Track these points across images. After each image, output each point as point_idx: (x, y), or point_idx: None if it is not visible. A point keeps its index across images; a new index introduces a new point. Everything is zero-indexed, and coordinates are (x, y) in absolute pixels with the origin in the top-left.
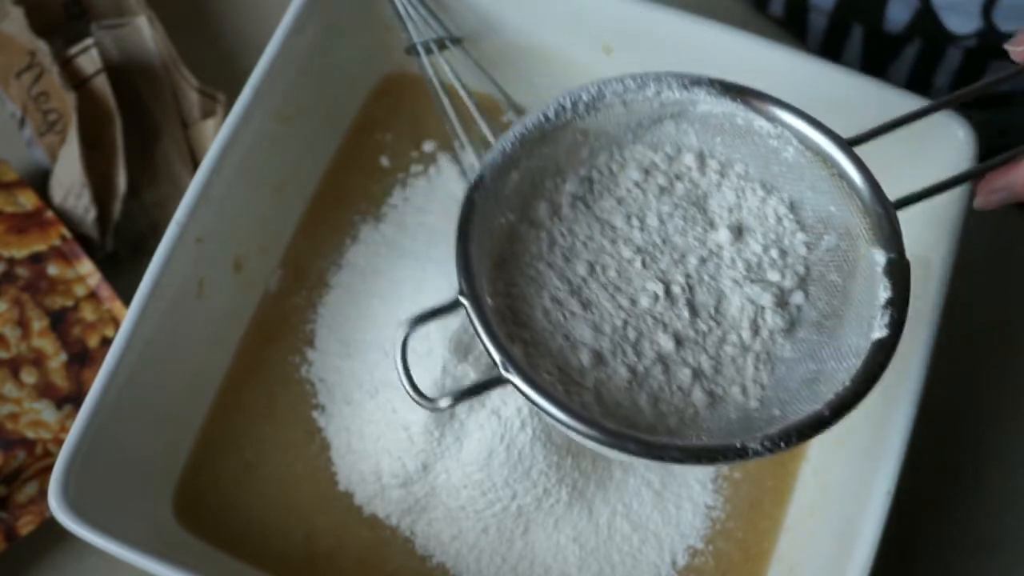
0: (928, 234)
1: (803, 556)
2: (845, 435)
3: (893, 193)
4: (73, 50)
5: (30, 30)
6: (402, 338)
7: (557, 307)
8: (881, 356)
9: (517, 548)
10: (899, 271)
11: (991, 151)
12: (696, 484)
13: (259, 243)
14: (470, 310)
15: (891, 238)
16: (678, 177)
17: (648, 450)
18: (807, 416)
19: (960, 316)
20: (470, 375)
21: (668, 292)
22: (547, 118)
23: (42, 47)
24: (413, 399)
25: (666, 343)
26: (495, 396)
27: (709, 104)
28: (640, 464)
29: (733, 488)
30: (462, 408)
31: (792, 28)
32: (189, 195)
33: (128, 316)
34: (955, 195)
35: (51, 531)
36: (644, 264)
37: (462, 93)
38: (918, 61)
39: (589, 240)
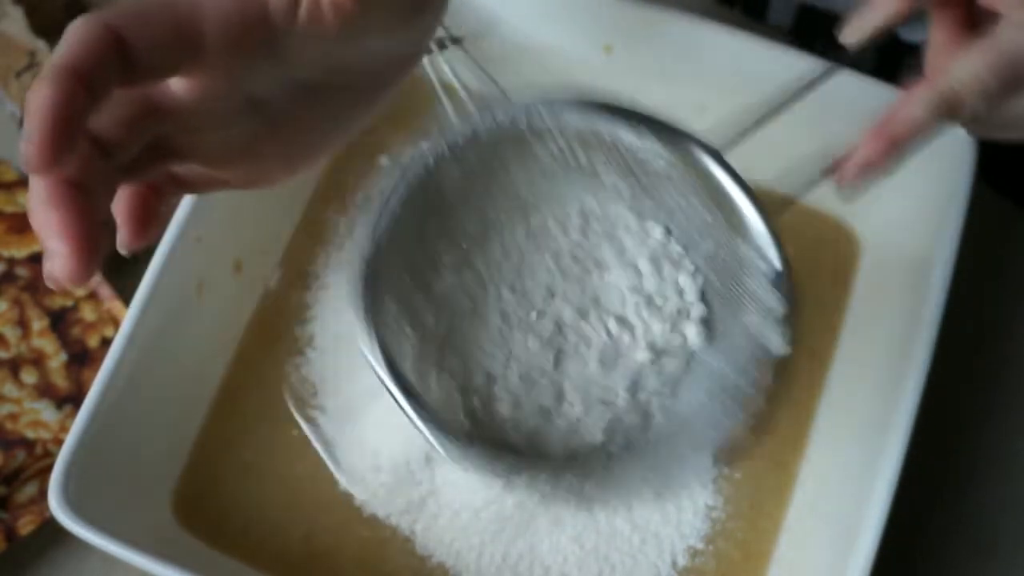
0: (928, 234)
1: (803, 556)
2: (845, 435)
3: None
4: None
5: (30, 30)
6: (328, 434)
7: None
8: (785, 374)
9: (517, 548)
10: (787, 282)
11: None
12: (696, 484)
13: (259, 243)
14: (397, 397)
15: (772, 248)
16: (558, 220)
17: (591, 502)
18: (732, 440)
19: (960, 316)
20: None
21: (560, 330)
22: (428, 169)
23: (42, 47)
24: (350, 490)
25: (576, 377)
26: None
27: (577, 124)
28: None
29: (733, 488)
30: None
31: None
32: (189, 195)
33: (128, 316)
34: (955, 195)
35: (51, 531)
36: (540, 304)
37: (462, 93)
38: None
39: (501, 285)
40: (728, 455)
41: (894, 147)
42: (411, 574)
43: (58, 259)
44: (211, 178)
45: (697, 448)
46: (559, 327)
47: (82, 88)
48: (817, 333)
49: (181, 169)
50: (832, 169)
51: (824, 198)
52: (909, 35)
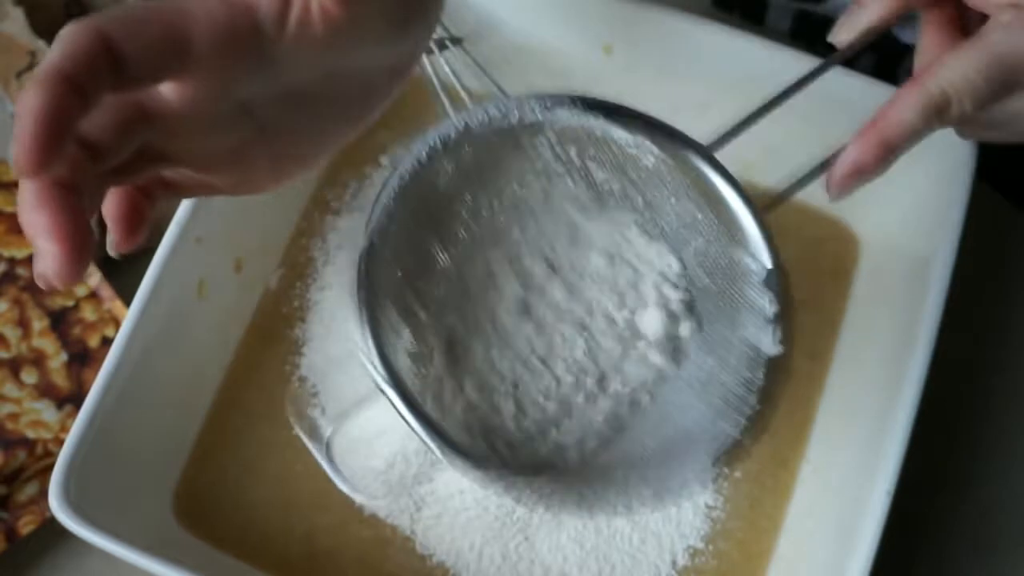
0: (928, 234)
1: (803, 556)
2: (845, 435)
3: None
4: None
5: (30, 30)
6: (325, 438)
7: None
8: (780, 374)
9: (517, 548)
10: (779, 282)
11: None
12: (696, 484)
13: (259, 243)
14: (395, 401)
15: (764, 246)
16: (550, 216)
17: (589, 510)
18: (726, 445)
19: (960, 316)
20: None
21: (555, 330)
22: (420, 163)
23: (43, 47)
24: (350, 495)
25: (574, 383)
26: None
27: (568, 120)
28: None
29: (733, 488)
30: None
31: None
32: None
33: (128, 316)
34: (955, 195)
35: (51, 531)
36: (534, 308)
37: (462, 93)
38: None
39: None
40: (725, 457)
41: (885, 151)
42: (411, 574)
43: (48, 259)
44: (200, 183)
45: (691, 449)
46: (554, 326)
47: (72, 93)
48: (817, 333)
49: (170, 173)
50: (824, 167)
51: (824, 198)
52: (908, 37)
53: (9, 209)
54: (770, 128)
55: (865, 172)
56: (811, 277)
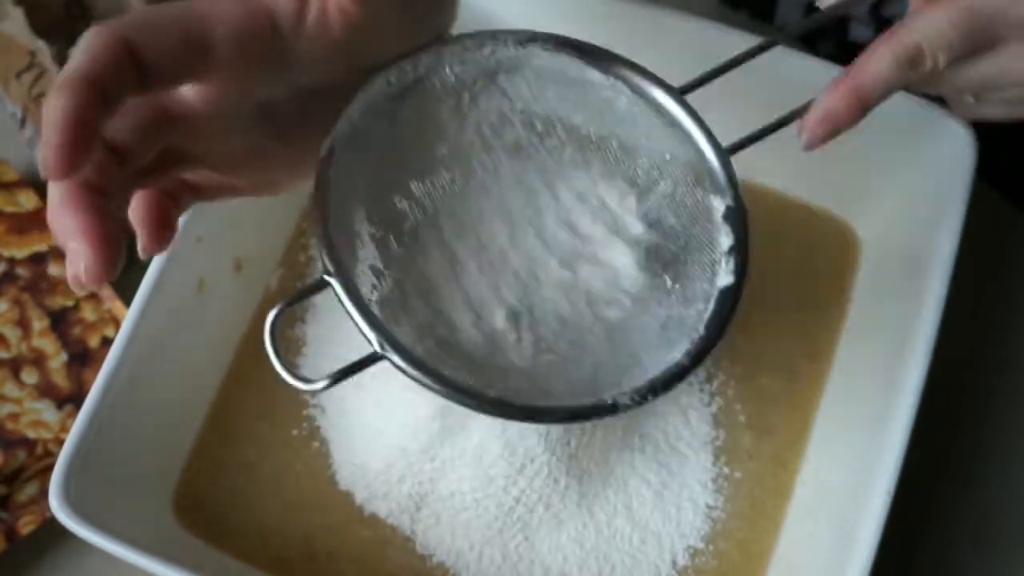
0: (928, 234)
1: (803, 556)
2: (845, 435)
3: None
4: (73, 50)
5: (31, 30)
6: (270, 320)
7: (439, 272)
8: (729, 302)
9: (517, 547)
10: (737, 216)
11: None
12: (696, 484)
13: (259, 243)
14: (338, 290)
15: (727, 184)
16: (519, 142)
17: (528, 414)
18: (668, 366)
19: (960, 316)
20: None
21: (529, 256)
22: (390, 83)
23: (43, 47)
24: (288, 382)
25: (531, 303)
26: None
27: (543, 59)
28: (640, 464)
29: (733, 488)
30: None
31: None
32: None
33: (129, 316)
34: (955, 195)
35: (51, 531)
36: (507, 233)
37: None
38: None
39: (454, 212)
40: (665, 383)
41: (858, 100)
42: (411, 574)
43: (81, 261)
44: (222, 185)
45: (636, 369)
46: (517, 256)
47: (96, 97)
48: (817, 333)
49: (193, 176)
50: (797, 115)
51: (824, 198)
52: (862, 34)
53: (9, 209)
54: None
55: (837, 121)
56: (811, 277)
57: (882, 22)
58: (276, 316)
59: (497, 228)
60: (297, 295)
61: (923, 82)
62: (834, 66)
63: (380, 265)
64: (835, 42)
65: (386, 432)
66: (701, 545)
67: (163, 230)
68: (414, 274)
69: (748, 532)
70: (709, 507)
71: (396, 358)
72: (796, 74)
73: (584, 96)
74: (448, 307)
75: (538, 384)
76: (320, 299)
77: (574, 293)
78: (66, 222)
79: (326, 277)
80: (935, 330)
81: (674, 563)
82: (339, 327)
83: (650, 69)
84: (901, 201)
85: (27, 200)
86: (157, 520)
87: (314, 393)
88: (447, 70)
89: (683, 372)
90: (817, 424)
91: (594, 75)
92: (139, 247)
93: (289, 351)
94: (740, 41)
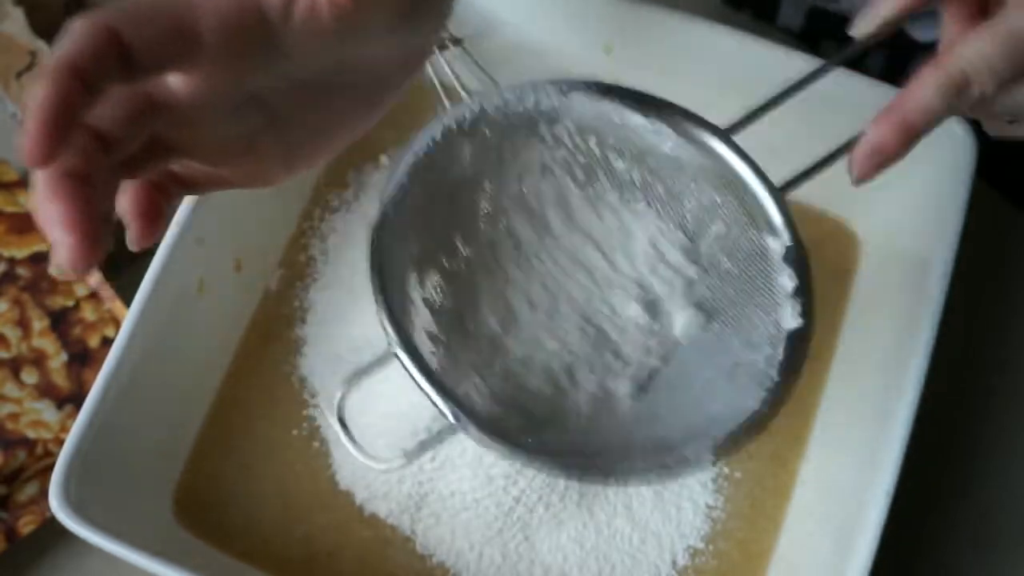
0: (928, 234)
1: (803, 556)
2: (845, 435)
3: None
4: None
5: (30, 30)
6: (337, 401)
7: (493, 330)
8: (800, 346)
9: (517, 547)
10: (798, 257)
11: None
12: (696, 484)
13: (259, 243)
14: (407, 363)
15: (784, 225)
16: (563, 192)
17: (612, 477)
18: (746, 416)
19: (960, 316)
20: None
21: (573, 309)
22: (435, 141)
23: (43, 47)
24: (363, 461)
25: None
26: None
27: (585, 106)
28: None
29: (733, 488)
30: None
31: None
32: (191, 196)
33: (129, 316)
34: (955, 195)
35: (51, 531)
36: (554, 287)
37: (462, 93)
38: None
39: (505, 267)
40: (746, 431)
41: (905, 131)
42: (411, 574)
43: (63, 249)
44: (211, 176)
45: (712, 426)
46: (571, 306)
47: (79, 84)
48: (817, 333)
49: (181, 167)
50: (845, 150)
51: (824, 198)
52: (920, 34)
53: (9, 209)
54: (773, 131)
55: (886, 154)
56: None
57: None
58: (342, 398)
59: (543, 287)
60: (365, 369)
61: (969, 109)
62: (885, 85)
63: (435, 330)
64: (888, 51)
65: (386, 432)
66: (701, 545)
67: (153, 222)
68: (471, 339)
69: (748, 532)
70: (709, 507)
71: (473, 428)
72: (845, 94)
73: (629, 141)
74: (508, 365)
75: (595, 441)
76: (320, 299)
77: (631, 345)
78: (50, 211)
79: (394, 350)
80: (935, 330)
81: (674, 563)
82: (339, 328)
83: (689, 108)
84: (901, 201)
85: (27, 200)
86: (157, 520)
87: (390, 471)
88: (489, 125)
89: (763, 420)
90: (817, 424)
91: (638, 120)
92: (128, 239)
93: (289, 351)
94: (743, 42)
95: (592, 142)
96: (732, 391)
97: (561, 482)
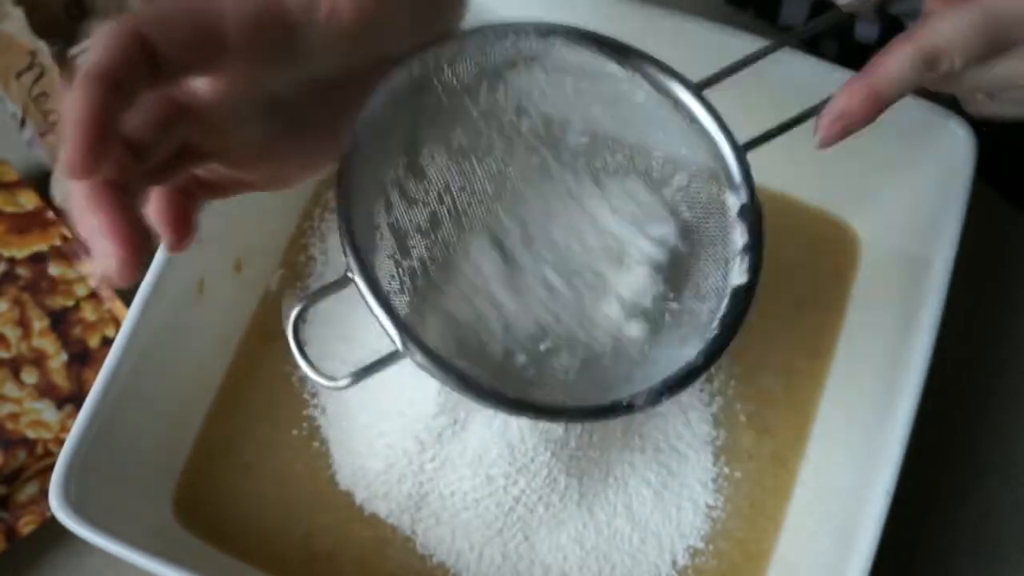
0: (928, 234)
1: (803, 556)
2: (845, 435)
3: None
4: (74, 50)
5: (30, 30)
6: (292, 317)
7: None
8: (743, 301)
9: (518, 547)
10: (753, 215)
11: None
12: (696, 484)
13: (259, 243)
14: (361, 287)
15: (743, 181)
16: (536, 133)
17: (546, 414)
18: (682, 365)
19: (960, 316)
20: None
21: (538, 252)
22: (412, 74)
23: (43, 47)
24: (312, 378)
25: (550, 305)
26: None
27: (562, 51)
28: (640, 463)
29: (733, 488)
30: (462, 406)
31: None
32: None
33: (129, 316)
34: (955, 195)
35: (52, 531)
36: (518, 229)
37: None
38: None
39: (468, 206)
40: (680, 382)
41: (873, 99)
42: (411, 574)
43: (109, 259)
44: (235, 179)
45: (650, 372)
46: (536, 248)
47: (114, 92)
48: (817, 333)
49: (206, 172)
50: (812, 113)
51: (824, 198)
52: (866, 34)
53: (9, 209)
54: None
55: (852, 119)
56: (811, 277)
57: (889, 21)
58: (299, 312)
59: (513, 223)
60: (320, 291)
61: (938, 82)
62: (840, 68)
63: (399, 257)
64: (839, 43)
65: (386, 432)
66: (701, 545)
67: (186, 228)
68: (434, 270)
69: (748, 532)
70: (709, 507)
71: (419, 357)
72: (802, 75)
73: (602, 89)
74: (466, 305)
75: (551, 384)
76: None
77: (591, 293)
78: (92, 221)
79: (349, 275)
80: (935, 330)
81: (674, 563)
82: (339, 328)
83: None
84: (901, 201)
85: (27, 200)
86: (157, 520)
87: (335, 390)
88: (468, 61)
89: (697, 372)
90: (817, 424)
91: (613, 68)
92: (167, 245)
93: (289, 351)
94: (745, 42)
95: (568, 85)
96: (675, 340)
97: (561, 482)
